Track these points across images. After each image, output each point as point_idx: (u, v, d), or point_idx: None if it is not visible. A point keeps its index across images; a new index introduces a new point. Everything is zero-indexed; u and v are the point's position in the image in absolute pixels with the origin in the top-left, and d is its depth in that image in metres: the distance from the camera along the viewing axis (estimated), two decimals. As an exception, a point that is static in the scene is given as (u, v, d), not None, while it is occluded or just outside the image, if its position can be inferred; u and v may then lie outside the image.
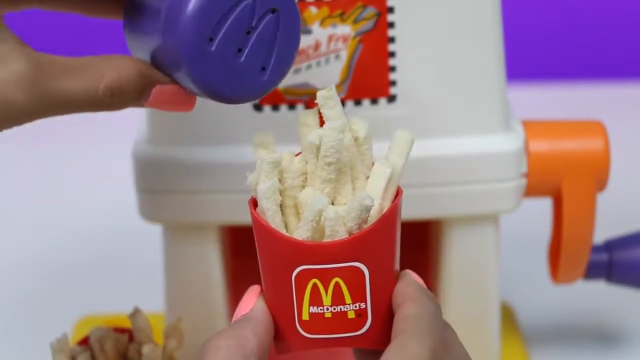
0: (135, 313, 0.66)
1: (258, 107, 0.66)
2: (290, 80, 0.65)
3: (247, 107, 0.66)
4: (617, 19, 1.34)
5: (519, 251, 0.92)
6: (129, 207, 0.76)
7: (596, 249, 0.75)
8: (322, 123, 0.54)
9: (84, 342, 0.66)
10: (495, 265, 0.71)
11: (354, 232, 0.52)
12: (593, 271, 0.75)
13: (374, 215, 0.53)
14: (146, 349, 0.64)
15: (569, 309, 0.86)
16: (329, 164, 0.53)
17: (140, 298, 0.75)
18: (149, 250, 0.85)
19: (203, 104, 0.66)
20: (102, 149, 1.14)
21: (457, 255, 0.70)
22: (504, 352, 0.77)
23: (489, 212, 0.69)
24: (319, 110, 0.54)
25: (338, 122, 0.53)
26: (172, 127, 0.67)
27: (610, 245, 0.76)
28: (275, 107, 0.66)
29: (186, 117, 0.66)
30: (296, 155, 0.55)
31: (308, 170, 0.54)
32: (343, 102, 0.66)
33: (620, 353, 0.81)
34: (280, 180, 0.53)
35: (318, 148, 0.53)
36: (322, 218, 0.52)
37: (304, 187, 0.54)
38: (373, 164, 0.54)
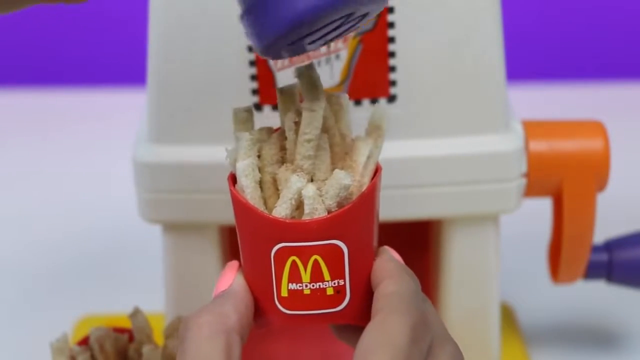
0: (135, 313, 0.66)
1: (258, 107, 0.66)
2: (290, 80, 0.65)
3: (247, 107, 0.66)
4: (617, 19, 1.34)
5: (519, 251, 0.92)
6: (129, 207, 0.76)
7: (596, 249, 0.75)
8: (302, 99, 0.54)
9: (84, 342, 0.66)
10: (495, 265, 0.71)
11: (333, 210, 0.52)
12: (593, 271, 0.75)
13: (353, 192, 0.53)
14: (146, 349, 0.64)
15: (569, 309, 0.86)
16: (308, 140, 0.52)
17: (140, 298, 0.75)
18: (149, 250, 0.85)
19: (203, 104, 0.66)
20: (103, 148, 1.14)
21: (457, 255, 0.70)
22: (504, 352, 0.77)
23: (489, 212, 0.69)
24: (298, 87, 0.54)
25: (317, 99, 0.53)
26: (172, 127, 0.67)
27: (610, 245, 0.76)
28: (276, 107, 0.66)
29: (186, 117, 0.66)
30: (275, 130, 0.55)
31: (287, 147, 0.54)
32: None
33: (620, 353, 0.81)
34: (259, 157, 0.53)
35: (297, 125, 0.53)
36: (301, 196, 0.52)
37: (283, 163, 0.54)
38: (352, 140, 0.54)
